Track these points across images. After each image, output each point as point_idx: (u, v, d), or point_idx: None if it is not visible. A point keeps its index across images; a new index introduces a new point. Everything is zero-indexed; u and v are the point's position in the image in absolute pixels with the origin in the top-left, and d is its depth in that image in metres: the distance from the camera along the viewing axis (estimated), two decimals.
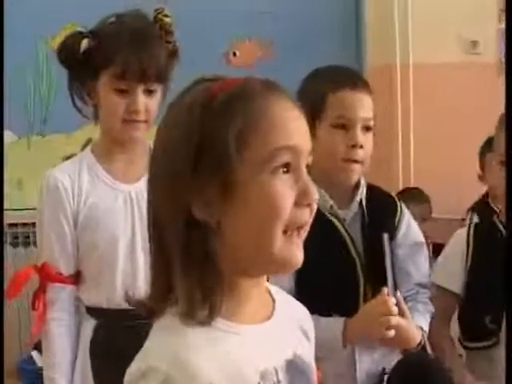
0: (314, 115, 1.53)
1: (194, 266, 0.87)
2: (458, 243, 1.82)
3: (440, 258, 1.91)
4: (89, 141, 3.28)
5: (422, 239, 1.75)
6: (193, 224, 0.87)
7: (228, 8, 3.27)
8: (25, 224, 3.19)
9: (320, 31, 3.34)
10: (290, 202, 0.87)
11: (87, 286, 1.66)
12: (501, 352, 1.70)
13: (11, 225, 3.10)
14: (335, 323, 1.53)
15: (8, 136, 3.13)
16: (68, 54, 1.62)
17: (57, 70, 3.51)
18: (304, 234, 0.91)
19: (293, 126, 0.89)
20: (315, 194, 0.89)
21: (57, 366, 1.65)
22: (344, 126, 1.57)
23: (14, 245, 3.15)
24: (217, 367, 0.84)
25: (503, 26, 3.44)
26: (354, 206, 1.63)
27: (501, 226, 1.80)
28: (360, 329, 1.53)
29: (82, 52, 1.61)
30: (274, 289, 0.99)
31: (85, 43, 1.61)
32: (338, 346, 1.53)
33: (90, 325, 1.66)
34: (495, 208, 2.60)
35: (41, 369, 3.03)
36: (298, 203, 0.88)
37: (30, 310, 3.04)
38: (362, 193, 1.64)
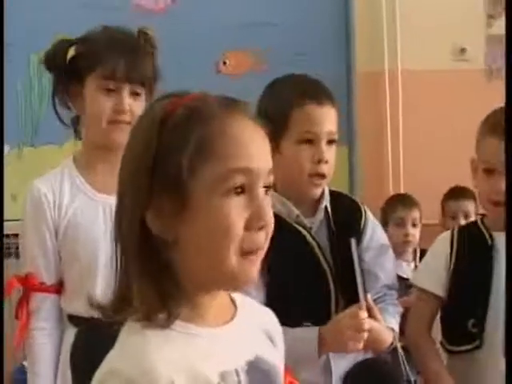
0: (277, 130, 1.54)
1: (151, 274, 0.89)
2: (441, 246, 1.83)
3: (423, 261, 1.92)
4: None
5: (387, 241, 1.78)
6: (150, 236, 0.89)
7: (221, 18, 3.29)
8: (17, 235, 3.18)
9: (310, 39, 3.35)
10: (240, 225, 0.88)
11: (69, 294, 1.68)
12: (482, 356, 1.73)
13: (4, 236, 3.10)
14: (309, 333, 1.54)
15: None
16: (55, 60, 1.67)
17: (48, 81, 3.51)
18: (261, 253, 0.91)
19: (249, 148, 0.89)
20: (268, 216, 0.89)
21: (40, 375, 1.67)
22: (309, 140, 1.58)
23: (7, 255, 3.15)
24: (177, 368, 0.86)
25: (491, 32, 3.47)
26: (320, 214, 1.65)
27: (484, 229, 1.81)
28: (333, 341, 1.55)
29: (70, 58, 1.65)
30: (236, 294, 1.00)
31: (72, 50, 1.65)
32: (314, 356, 1.54)
33: (71, 333, 1.67)
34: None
35: None
36: (249, 227, 0.88)
37: None
38: (326, 200, 1.66)
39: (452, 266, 1.79)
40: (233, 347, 0.93)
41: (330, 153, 1.60)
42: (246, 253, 0.88)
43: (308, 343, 1.53)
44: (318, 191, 1.63)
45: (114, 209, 1.63)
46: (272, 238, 0.92)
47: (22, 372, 3.00)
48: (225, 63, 3.31)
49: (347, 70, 3.35)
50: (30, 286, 1.68)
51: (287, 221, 1.58)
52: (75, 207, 1.67)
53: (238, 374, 0.91)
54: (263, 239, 0.90)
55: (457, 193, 3.02)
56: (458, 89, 3.38)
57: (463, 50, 3.48)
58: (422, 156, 3.35)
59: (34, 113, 3.27)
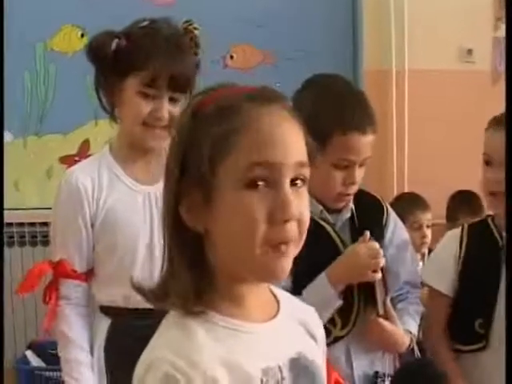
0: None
1: (187, 265, 0.90)
2: (451, 243, 1.83)
3: (431, 259, 1.92)
4: (86, 141, 3.30)
5: (408, 238, 1.78)
6: (184, 227, 0.90)
7: (229, 12, 3.29)
8: (20, 224, 3.19)
9: (317, 36, 3.35)
10: (260, 216, 0.87)
11: (104, 284, 1.67)
12: (488, 356, 1.74)
13: (7, 224, 3.10)
14: (319, 279, 1.56)
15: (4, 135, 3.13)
16: (98, 52, 1.63)
17: (54, 70, 3.51)
18: (293, 246, 0.90)
19: (272, 141, 0.88)
20: (293, 210, 0.88)
21: (75, 342, 1.65)
22: (345, 166, 1.57)
23: (10, 244, 3.15)
24: (219, 362, 0.87)
25: (498, 34, 3.48)
26: (346, 214, 1.66)
27: (494, 229, 1.81)
28: (345, 271, 1.56)
29: (113, 51, 1.61)
30: (278, 290, 1.00)
31: (115, 43, 1.62)
32: (330, 294, 1.54)
33: (104, 324, 1.67)
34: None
35: (35, 368, 3.05)
36: (273, 219, 0.87)
37: (25, 310, 3.05)
38: (351, 201, 1.66)
39: (461, 265, 1.79)
40: (276, 343, 0.93)
41: (360, 174, 1.60)
42: (272, 245, 0.88)
43: (320, 285, 1.54)
44: (343, 204, 1.65)
45: (152, 199, 1.65)
46: None
47: (23, 362, 3.02)
48: (232, 57, 3.31)
49: (354, 69, 3.35)
50: (61, 272, 1.67)
51: (311, 216, 1.59)
52: (114, 197, 1.65)
53: (281, 371, 0.91)
54: (290, 232, 0.89)
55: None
56: (463, 89, 3.38)
57: (470, 52, 3.48)
58: (426, 156, 3.36)
59: (39, 102, 3.28)
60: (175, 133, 0.94)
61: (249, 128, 0.88)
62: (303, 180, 0.91)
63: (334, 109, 1.56)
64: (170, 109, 1.62)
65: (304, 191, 0.92)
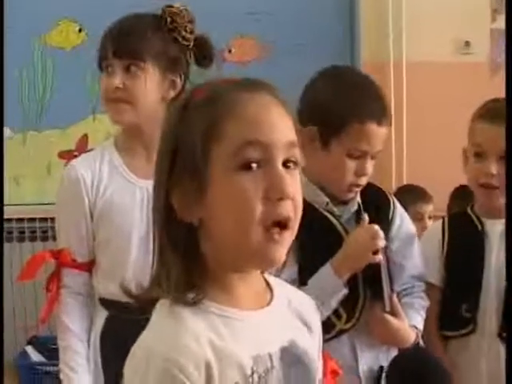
0: (330, 131, 1.55)
1: (179, 254, 0.91)
2: (434, 234, 1.85)
3: None
4: (84, 136, 3.31)
5: (415, 231, 1.78)
6: (176, 217, 0.91)
7: (227, 6, 3.28)
8: (20, 219, 3.20)
9: (315, 29, 3.36)
10: (256, 196, 0.88)
11: (102, 276, 1.69)
12: (476, 339, 1.75)
13: (6, 220, 3.10)
14: (324, 268, 1.56)
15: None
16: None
17: (52, 65, 3.51)
18: (288, 231, 0.90)
19: (262, 122, 0.90)
20: (288, 188, 0.89)
21: (73, 332, 1.67)
22: (359, 156, 1.58)
23: (9, 240, 3.15)
24: (210, 348, 0.87)
25: (495, 26, 3.48)
26: (353, 207, 1.65)
27: (473, 216, 1.82)
28: (347, 257, 1.57)
29: None
30: (273, 278, 1.01)
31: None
32: (335, 283, 1.55)
33: (102, 316, 1.69)
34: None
35: (36, 363, 3.05)
36: (267, 197, 0.88)
37: (25, 305, 3.06)
38: (358, 193, 1.66)
39: (445, 254, 1.81)
40: (268, 332, 0.93)
41: (371, 166, 1.60)
42: (269, 226, 0.88)
43: (324, 273, 1.55)
44: (352, 195, 1.65)
45: (151, 193, 1.66)
46: (300, 224, 0.92)
47: (24, 358, 3.02)
48: (230, 51, 3.31)
49: (352, 61, 3.35)
50: (62, 261, 1.69)
51: (316, 208, 1.59)
52: (113, 189, 1.67)
53: (271, 359, 0.92)
54: (286, 211, 0.89)
55: None
56: (461, 82, 3.38)
57: (467, 44, 3.48)
58: (424, 148, 3.36)
59: (38, 97, 3.28)
60: (165, 125, 0.95)
61: (235, 112, 0.90)
62: (295, 162, 0.92)
63: (352, 97, 1.57)
64: (125, 80, 1.64)
65: (296, 173, 0.92)
